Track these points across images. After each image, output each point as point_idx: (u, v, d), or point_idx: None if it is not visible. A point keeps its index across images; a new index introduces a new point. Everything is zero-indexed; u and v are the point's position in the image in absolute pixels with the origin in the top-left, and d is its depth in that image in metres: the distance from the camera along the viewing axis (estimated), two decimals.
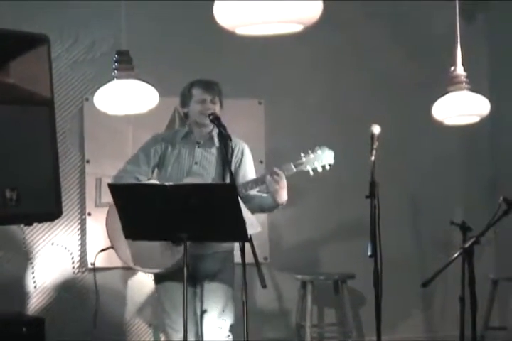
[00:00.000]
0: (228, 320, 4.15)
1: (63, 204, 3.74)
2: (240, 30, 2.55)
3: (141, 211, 3.73)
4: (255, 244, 3.72)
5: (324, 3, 2.51)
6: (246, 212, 3.77)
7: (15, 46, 3.33)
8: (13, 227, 5.18)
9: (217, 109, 4.17)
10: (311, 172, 4.06)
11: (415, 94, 6.01)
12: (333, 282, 5.70)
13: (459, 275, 4.67)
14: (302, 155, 4.06)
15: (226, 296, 4.14)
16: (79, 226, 5.47)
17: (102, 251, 5.02)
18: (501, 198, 4.18)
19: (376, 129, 4.05)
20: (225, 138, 4.07)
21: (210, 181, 4.13)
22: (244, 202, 3.83)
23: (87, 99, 5.45)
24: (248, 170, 4.24)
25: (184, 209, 3.62)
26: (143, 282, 5.45)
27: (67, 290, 5.42)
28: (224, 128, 4.08)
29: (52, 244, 5.42)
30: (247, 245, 3.71)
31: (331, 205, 5.95)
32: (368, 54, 6.10)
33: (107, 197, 4.21)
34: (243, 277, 3.72)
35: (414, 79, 6.11)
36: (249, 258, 3.70)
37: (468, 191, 6.25)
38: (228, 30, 2.60)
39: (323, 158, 4.06)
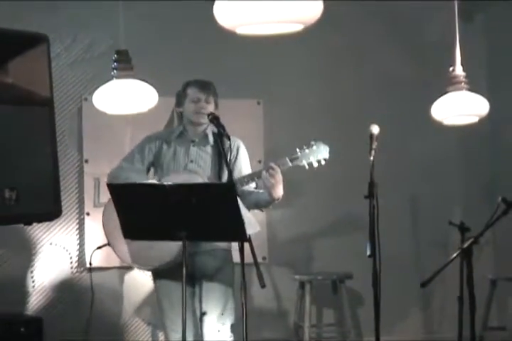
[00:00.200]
0: (228, 323, 4.15)
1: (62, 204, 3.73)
2: (241, 30, 2.55)
3: (140, 210, 3.73)
4: (254, 243, 3.72)
5: (323, 3, 2.51)
6: (245, 212, 3.77)
7: (14, 45, 3.32)
8: (12, 227, 5.14)
9: (210, 108, 4.18)
10: (307, 167, 4.06)
11: (414, 94, 6.02)
12: (331, 282, 5.70)
13: (457, 276, 4.67)
14: (297, 150, 4.07)
15: (225, 298, 4.14)
16: (77, 226, 5.47)
17: (98, 248, 5.02)
18: (500, 198, 4.18)
19: (375, 129, 4.05)
20: (223, 138, 4.06)
21: (205, 179, 4.13)
22: (241, 198, 3.82)
23: (85, 99, 5.45)
24: (243, 166, 4.25)
25: (183, 208, 3.61)
26: (141, 281, 5.45)
27: (65, 290, 5.42)
28: (223, 128, 4.08)
29: (51, 243, 5.42)
30: (246, 245, 3.70)
31: (330, 205, 5.95)
32: (367, 54, 6.10)
33: (106, 197, 4.21)
34: (242, 277, 3.71)
35: (413, 79, 6.11)
36: (247, 258, 3.70)
37: (466, 191, 6.26)
38: (228, 30, 2.60)
39: (318, 153, 4.06)
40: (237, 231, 3.63)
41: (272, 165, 4.02)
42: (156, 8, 5.56)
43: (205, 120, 4.14)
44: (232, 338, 4.17)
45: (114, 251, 4.19)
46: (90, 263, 5.33)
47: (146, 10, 5.48)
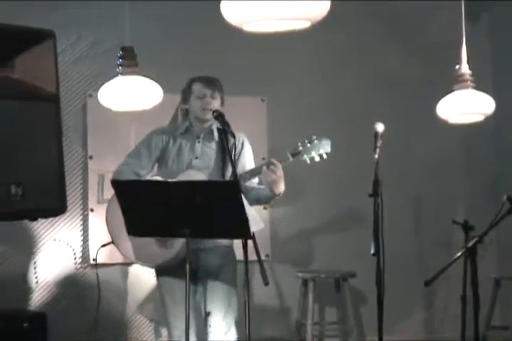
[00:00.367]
0: (233, 322, 4.14)
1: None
2: (248, 27, 2.55)
3: (144, 207, 3.72)
4: (257, 241, 3.71)
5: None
6: (249, 209, 3.76)
7: (20, 41, 3.32)
8: (16, 223, 5.17)
9: (216, 104, 4.17)
10: (308, 161, 4.04)
11: (418, 93, 6.02)
12: (334, 280, 5.70)
13: (460, 275, 4.67)
14: (299, 144, 4.05)
15: (229, 298, 4.12)
16: (81, 222, 5.47)
17: (103, 246, 5.03)
18: (505, 197, 4.17)
19: (380, 127, 4.04)
20: (228, 136, 4.05)
21: (209, 175, 4.13)
22: (243, 194, 3.81)
23: (90, 95, 5.45)
24: (247, 161, 4.24)
25: (187, 205, 3.61)
26: (144, 277, 5.45)
27: (69, 286, 5.42)
28: (228, 125, 4.07)
29: (55, 239, 5.42)
30: (250, 242, 3.70)
31: (333, 203, 5.95)
32: (371, 53, 6.10)
33: (110, 194, 4.20)
34: (245, 275, 3.71)
35: (417, 78, 6.11)
36: (250, 255, 3.70)
37: (470, 190, 6.26)
38: (234, 27, 2.60)
39: (320, 147, 4.04)
40: (241, 229, 3.62)
41: (273, 160, 4.01)
42: (161, 6, 5.56)
43: (211, 116, 4.13)
44: (236, 336, 4.17)
45: (118, 248, 4.18)
46: (94, 259, 5.33)
47: (151, 8, 5.47)
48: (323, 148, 4.05)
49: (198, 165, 4.18)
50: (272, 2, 2.38)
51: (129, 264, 5.38)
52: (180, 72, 5.07)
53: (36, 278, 5.37)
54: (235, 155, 4.14)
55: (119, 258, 4.97)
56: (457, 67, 4.43)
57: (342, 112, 6.01)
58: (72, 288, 5.43)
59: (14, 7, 5.15)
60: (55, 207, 3.47)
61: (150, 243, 4.03)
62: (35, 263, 5.37)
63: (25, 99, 3.34)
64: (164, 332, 5.48)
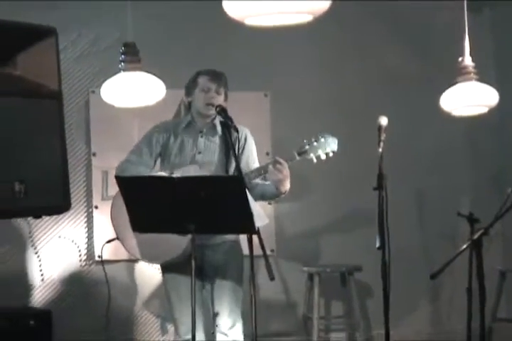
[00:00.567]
0: (239, 319, 4.14)
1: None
2: (250, 21, 2.54)
3: (149, 203, 3.72)
4: (262, 236, 3.71)
5: None
6: (254, 204, 3.76)
7: (22, 38, 3.32)
8: (20, 220, 5.19)
9: (220, 99, 4.14)
10: (315, 160, 4.03)
11: (420, 86, 6.01)
12: (340, 274, 5.70)
13: (466, 267, 4.66)
14: (305, 142, 4.04)
15: (236, 296, 4.12)
16: (86, 219, 5.47)
17: (108, 242, 5.02)
18: (510, 189, 4.16)
19: (384, 121, 4.02)
20: (229, 130, 4.04)
21: (213, 170, 4.12)
22: (247, 191, 3.81)
23: (93, 92, 5.44)
24: (250, 156, 4.23)
25: (192, 201, 3.60)
26: (150, 274, 5.46)
27: (74, 283, 5.43)
28: (230, 119, 4.06)
29: (60, 237, 5.43)
30: (255, 237, 3.69)
31: (337, 197, 5.94)
32: (373, 47, 6.09)
33: (114, 190, 4.20)
34: (251, 270, 3.71)
35: (419, 71, 6.10)
36: (256, 250, 3.69)
37: (475, 182, 6.25)
38: (236, 22, 2.59)
39: (326, 146, 4.03)
40: (246, 224, 3.61)
41: (279, 159, 3.99)
42: (163, 2, 5.55)
43: (214, 112, 4.12)
44: (242, 331, 4.17)
45: (123, 245, 4.18)
46: (99, 256, 5.32)
47: (152, 3, 5.46)
48: (330, 147, 4.04)
49: (201, 160, 4.16)
50: None
51: (135, 261, 5.39)
52: (183, 67, 5.06)
53: (42, 275, 5.38)
54: (238, 149, 4.13)
55: (123, 255, 4.97)
56: (460, 59, 4.42)
57: (345, 107, 6.00)
58: (78, 285, 5.44)
59: (15, 5, 5.14)
60: (60, 205, 3.47)
61: (155, 240, 4.02)
62: (40, 260, 5.37)
63: (28, 96, 3.34)
64: (170, 328, 5.49)
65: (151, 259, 4.22)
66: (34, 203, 3.33)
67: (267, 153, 5.58)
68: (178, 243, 3.94)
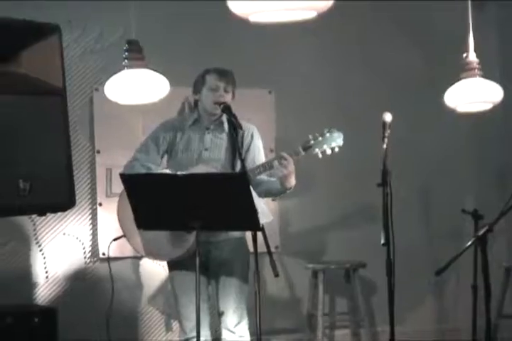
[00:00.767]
0: (243, 314, 4.14)
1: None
2: (254, 18, 2.53)
3: (153, 200, 3.73)
4: (266, 233, 3.71)
5: None
6: (258, 201, 3.76)
7: (26, 36, 3.32)
8: (25, 218, 5.19)
9: (228, 98, 4.14)
10: (320, 155, 4.02)
11: (425, 83, 6.00)
12: (344, 271, 5.69)
13: (470, 264, 4.66)
14: (310, 137, 4.03)
15: (241, 294, 4.12)
16: (90, 217, 5.47)
17: (115, 240, 5.02)
18: None
19: (388, 117, 4.04)
20: (235, 128, 4.04)
21: (220, 167, 4.12)
22: (252, 187, 3.80)
23: (96, 89, 5.43)
24: (257, 153, 4.22)
25: (196, 198, 3.61)
26: (154, 271, 5.46)
27: (78, 280, 5.42)
28: (235, 117, 4.06)
29: (64, 234, 5.43)
30: (259, 234, 3.69)
31: (342, 194, 5.94)
32: (377, 44, 6.08)
33: (118, 188, 4.20)
34: (256, 267, 3.71)
35: (424, 67, 6.10)
36: (260, 247, 3.69)
37: (479, 179, 6.24)
38: (240, 18, 2.58)
39: (332, 141, 4.03)
40: (250, 221, 3.62)
41: (284, 155, 3.98)
42: None
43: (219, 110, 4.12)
44: (247, 327, 4.18)
45: (129, 243, 4.19)
46: (104, 254, 5.33)
47: (156, 1, 5.45)
48: (335, 142, 4.03)
49: (207, 157, 4.16)
50: None
51: (139, 258, 5.39)
52: (187, 64, 5.08)
53: (46, 272, 5.38)
54: (243, 146, 4.12)
55: (128, 252, 4.98)
56: (464, 55, 4.41)
57: (349, 103, 5.99)
58: (82, 282, 5.44)
59: (18, 3, 5.13)
60: (64, 202, 3.47)
61: (162, 237, 4.02)
62: (44, 258, 5.38)
63: (32, 93, 3.34)
64: (175, 325, 5.49)
65: (156, 256, 4.22)
66: (39, 200, 3.34)
67: (271, 150, 5.57)
68: (183, 240, 3.94)
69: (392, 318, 3.95)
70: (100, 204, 5.46)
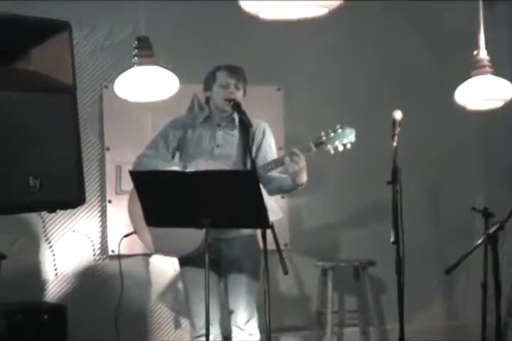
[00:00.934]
0: (253, 312, 4.14)
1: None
2: (264, 15, 2.52)
3: (163, 198, 3.72)
4: (276, 230, 3.70)
5: None
6: (268, 199, 3.75)
7: (36, 33, 3.32)
8: (34, 215, 5.19)
9: (239, 95, 4.14)
10: (332, 152, 4.01)
11: (435, 81, 5.99)
12: (353, 268, 5.69)
13: (481, 262, 4.65)
14: (322, 134, 4.02)
15: (251, 292, 4.12)
16: (99, 214, 5.48)
17: (125, 236, 5.02)
18: None
19: (398, 115, 4.02)
20: (246, 126, 4.04)
21: (231, 164, 4.11)
22: (264, 184, 3.80)
23: (106, 87, 5.44)
24: (269, 150, 4.22)
25: (205, 195, 3.60)
26: (164, 268, 5.46)
27: (88, 278, 5.43)
28: (245, 114, 4.06)
29: (73, 231, 5.44)
30: (269, 232, 3.69)
31: (351, 192, 5.93)
32: (387, 40, 6.07)
33: (127, 185, 4.20)
34: (265, 265, 3.70)
35: (434, 64, 6.09)
36: (270, 244, 3.69)
37: (489, 177, 6.22)
38: (250, 16, 2.58)
39: (344, 137, 4.01)
40: (259, 218, 3.61)
41: (296, 151, 3.98)
42: None
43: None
44: (256, 325, 4.17)
45: (140, 239, 4.19)
46: (113, 251, 5.33)
47: None
48: (347, 138, 4.02)
49: (219, 154, 4.16)
50: None
51: (149, 255, 5.39)
52: (197, 62, 5.08)
53: (56, 270, 5.39)
54: (253, 143, 4.12)
55: (138, 249, 4.99)
56: (475, 52, 4.40)
57: (358, 101, 5.98)
58: (91, 279, 5.44)
59: (27, 1, 5.14)
60: (74, 199, 3.48)
61: (172, 234, 4.02)
62: (54, 255, 5.38)
63: (42, 90, 3.34)
64: (184, 322, 5.49)
65: (166, 253, 4.22)
66: (48, 197, 3.34)
67: (280, 148, 5.56)
68: (194, 237, 3.93)
69: (402, 316, 3.94)
70: (110, 202, 5.47)
